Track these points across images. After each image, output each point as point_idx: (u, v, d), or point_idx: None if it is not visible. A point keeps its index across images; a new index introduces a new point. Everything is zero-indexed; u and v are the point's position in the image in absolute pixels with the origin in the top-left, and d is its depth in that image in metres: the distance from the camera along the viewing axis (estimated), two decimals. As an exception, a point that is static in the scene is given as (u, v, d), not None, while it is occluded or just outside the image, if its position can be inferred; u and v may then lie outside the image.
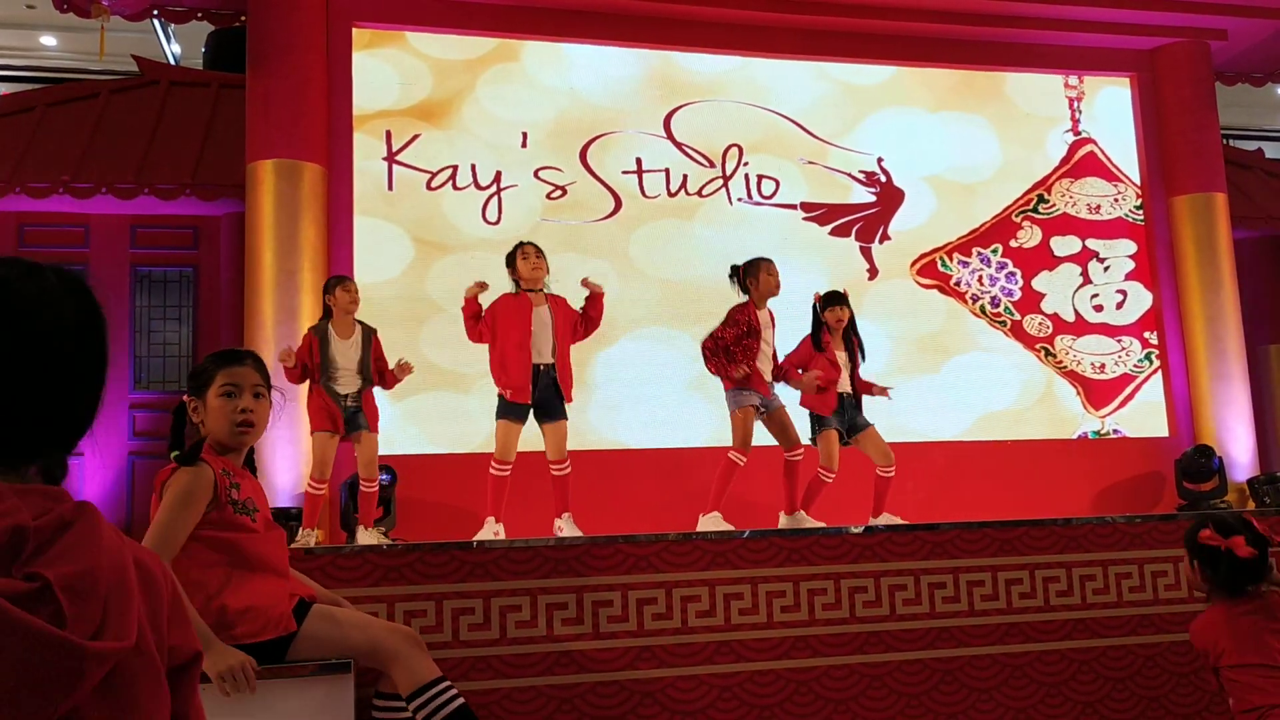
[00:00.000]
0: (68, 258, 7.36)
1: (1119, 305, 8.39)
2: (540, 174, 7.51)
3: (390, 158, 7.31)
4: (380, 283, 6.97)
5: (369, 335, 5.29)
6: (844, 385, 5.51)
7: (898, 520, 5.33)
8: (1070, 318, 8.27)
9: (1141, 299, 8.43)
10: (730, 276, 5.43)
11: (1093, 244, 8.40)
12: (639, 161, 7.68)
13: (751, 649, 3.70)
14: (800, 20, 7.84)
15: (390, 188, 7.26)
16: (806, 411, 5.52)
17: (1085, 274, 8.36)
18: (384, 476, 6.11)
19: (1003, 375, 8.05)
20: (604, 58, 7.81)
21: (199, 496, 2.69)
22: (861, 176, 8.09)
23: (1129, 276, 8.45)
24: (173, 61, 11.00)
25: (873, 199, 8.09)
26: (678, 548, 3.73)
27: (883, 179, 8.13)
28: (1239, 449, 8.00)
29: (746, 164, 7.88)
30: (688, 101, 7.88)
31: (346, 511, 6.06)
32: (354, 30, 7.34)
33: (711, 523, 5.09)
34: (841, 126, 8.14)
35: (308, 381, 5.25)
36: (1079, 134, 8.60)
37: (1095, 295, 8.35)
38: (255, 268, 6.72)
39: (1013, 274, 8.22)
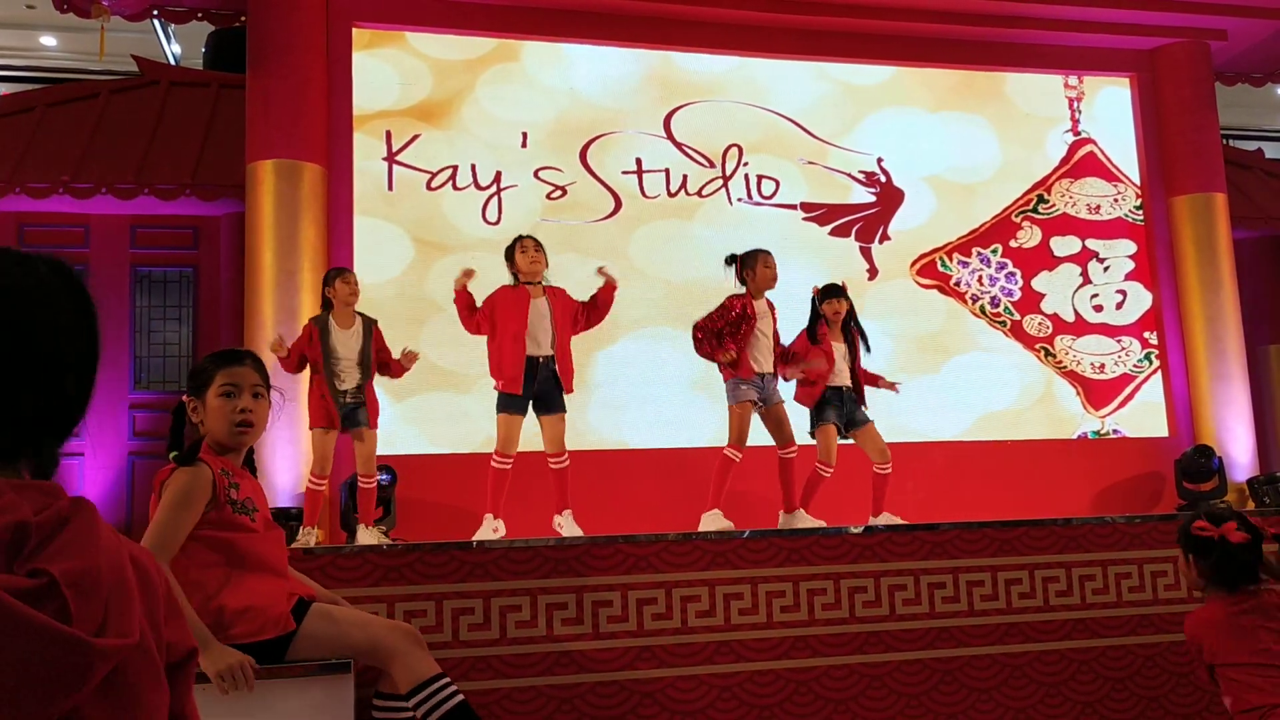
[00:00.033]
0: (68, 258, 7.34)
1: (1119, 305, 8.39)
2: (540, 174, 7.51)
3: (390, 158, 7.31)
4: (380, 283, 6.97)
5: (369, 326, 5.28)
6: (843, 379, 5.51)
7: (897, 520, 5.33)
8: (1070, 318, 8.28)
9: (1141, 299, 8.43)
10: (727, 263, 5.45)
11: (1092, 244, 8.41)
12: (639, 162, 7.69)
13: (751, 649, 3.70)
14: (800, 20, 7.84)
15: (390, 188, 7.27)
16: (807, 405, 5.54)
17: (1085, 274, 8.37)
18: (384, 476, 6.11)
19: (1002, 375, 8.05)
20: (604, 58, 7.81)
21: (197, 497, 2.69)
22: (861, 176, 8.09)
23: (1129, 276, 8.45)
24: (173, 61, 11.00)
25: (873, 199, 8.09)
26: (678, 548, 3.74)
27: (882, 179, 8.13)
28: (1239, 449, 8.00)
29: (746, 164, 7.88)
30: (687, 101, 7.88)
31: (347, 511, 6.06)
32: (354, 30, 7.34)
33: (712, 520, 5.09)
34: (841, 127, 8.14)
35: (308, 377, 5.25)
36: (1079, 134, 8.60)
37: (1095, 295, 8.35)
38: (255, 268, 6.72)
39: (1012, 274, 8.22)
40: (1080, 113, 8.64)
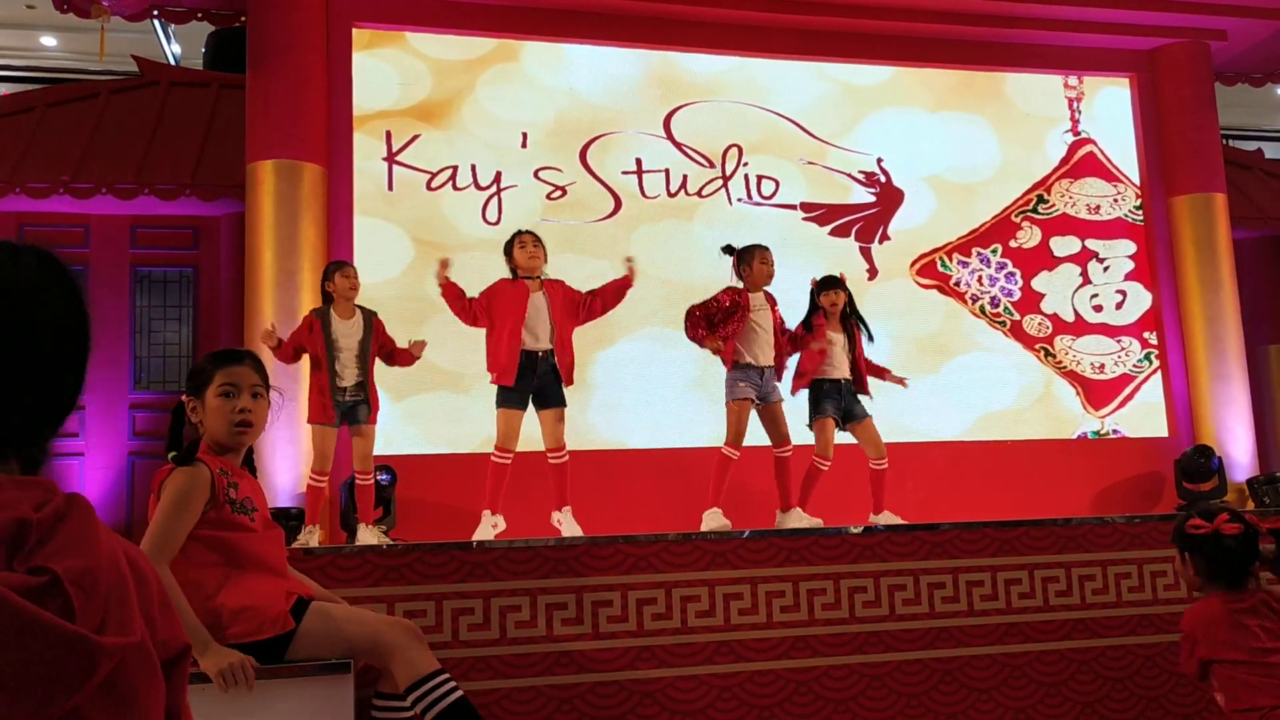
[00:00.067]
0: (68, 258, 7.34)
1: (1118, 305, 8.39)
2: (540, 174, 7.51)
3: (390, 158, 7.31)
4: (380, 283, 6.97)
5: (370, 318, 5.27)
6: (841, 371, 5.51)
7: (898, 520, 5.33)
8: (1070, 318, 8.28)
9: (1141, 299, 8.43)
10: (724, 251, 5.46)
11: (1092, 244, 8.41)
12: (639, 162, 7.69)
13: (751, 649, 3.70)
14: (800, 20, 7.84)
15: (390, 188, 7.27)
16: (805, 399, 5.54)
17: (1085, 274, 8.37)
18: (384, 476, 6.11)
19: (1002, 375, 8.05)
20: (604, 58, 7.81)
21: (196, 497, 2.70)
22: (861, 177, 8.09)
23: (1128, 277, 8.45)
24: (173, 61, 11.00)
25: (872, 199, 8.09)
26: (677, 548, 3.74)
27: (882, 179, 8.13)
28: (1238, 449, 8.00)
29: (746, 164, 7.88)
30: (687, 102, 7.88)
31: (347, 512, 6.06)
32: (354, 30, 7.34)
33: (712, 518, 5.10)
34: (841, 127, 8.14)
35: (308, 374, 5.24)
36: (1078, 134, 8.60)
37: (1095, 295, 8.35)
38: (255, 268, 6.72)
39: (1012, 274, 8.22)
40: (1080, 113, 8.64)
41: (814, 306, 5.58)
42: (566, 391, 5.19)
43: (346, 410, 5.16)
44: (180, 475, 2.71)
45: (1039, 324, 8.21)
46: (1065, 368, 8.19)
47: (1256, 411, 8.29)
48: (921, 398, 7.69)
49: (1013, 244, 8.26)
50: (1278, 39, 8.74)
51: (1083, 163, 8.55)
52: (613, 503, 6.41)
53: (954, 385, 7.89)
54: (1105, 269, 8.41)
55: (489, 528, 5.01)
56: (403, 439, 6.85)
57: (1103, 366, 8.26)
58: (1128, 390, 8.28)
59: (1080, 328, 8.28)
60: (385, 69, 7.46)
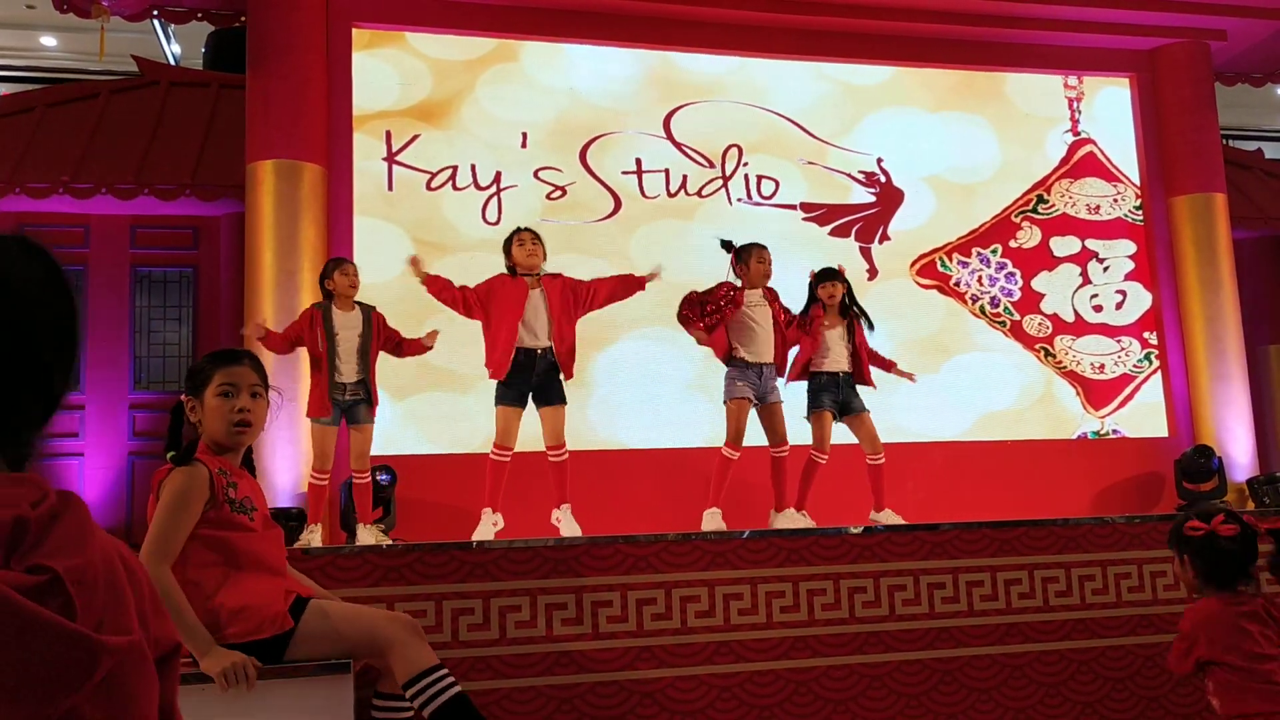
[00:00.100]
0: (68, 258, 7.37)
1: (1118, 305, 8.39)
2: (540, 174, 7.51)
3: (390, 158, 7.31)
4: (380, 283, 6.96)
5: (369, 312, 5.27)
6: (839, 364, 5.51)
7: (898, 518, 5.34)
8: (1070, 318, 8.28)
9: (1141, 299, 8.43)
10: (722, 245, 5.47)
11: (1092, 244, 8.41)
12: (639, 162, 7.69)
13: (751, 649, 3.70)
14: (799, 20, 7.84)
15: (390, 188, 7.27)
16: (804, 391, 5.54)
17: (1085, 274, 8.37)
18: (384, 476, 6.11)
19: (1002, 375, 8.05)
20: (604, 58, 7.81)
21: (195, 497, 2.70)
22: (861, 177, 8.09)
23: (1128, 277, 8.45)
24: (173, 61, 11.01)
25: (872, 199, 8.09)
26: (677, 548, 3.74)
27: (882, 179, 8.13)
28: (1238, 449, 8.00)
29: (746, 164, 7.88)
30: (687, 102, 7.88)
31: (346, 511, 6.06)
32: (354, 30, 7.34)
33: (711, 519, 5.10)
34: (841, 127, 8.14)
35: (308, 371, 5.24)
36: (1078, 134, 8.60)
37: (1095, 295, 8.35)
38: (255, 268, 6.72)
39: (1012, 274, 8.22)
40: (1080, 113, 8.64)
41: (812, 299, 5.59)
42: (566, 391, 5.19)
43: (346, 408, 5.15)
44: (178, 475, 2.71)
45: (1039, 324, 8.21)
46: (1065, 368, 8.19)
47: (1256, 411, 8.29)
48: (921, 398, 7.68)
49: (1013, 244, 8.26)
50: (1278, 39, 8.74)
51: (1083, 163, 8.55)
52: (612, 503, 6.41)
53: (954, 385, 7.89)
54: (1105, 269, 8.41)
55: (489, 526, 5.01)
56: (403, 439, 6.85)
57: (1103, 366, 8.26)
58: (1128, 390, 8.28)
59: (1080, 328, 8.28)
60: (385, 69, 7.46)
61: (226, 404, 2.80)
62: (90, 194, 6.92)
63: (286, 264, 6.66)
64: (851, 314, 5.62)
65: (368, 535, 5.17)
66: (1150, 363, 8.34)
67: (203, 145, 7.31)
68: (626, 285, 5.34)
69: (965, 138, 8.34)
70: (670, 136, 7.79)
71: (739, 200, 7.82)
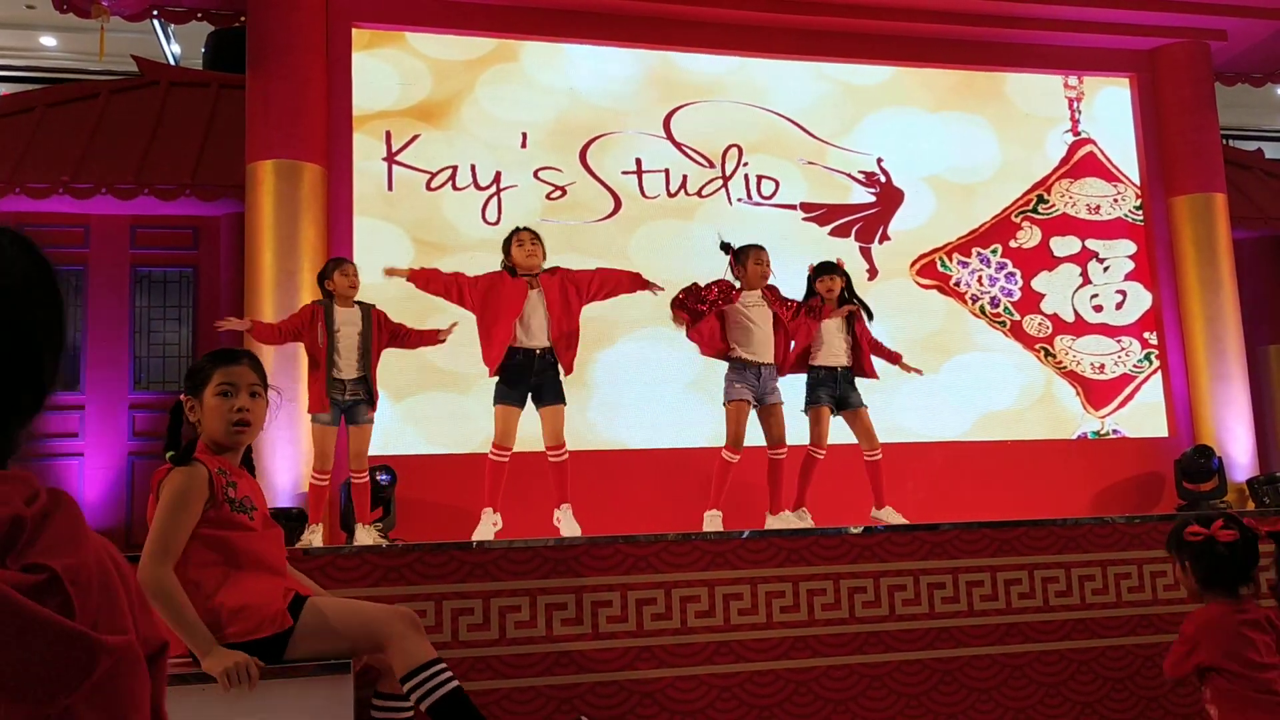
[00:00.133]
0: (68, 258, 7.37)
1: (1118, 305, 8.39)
2: (540, 174, 7.51)
3: (390, 158, 7.31)
4: (380, 283, 6.96)
5: (368, 310, 5.28)
6: (837, 360, 5.51)
7: (899, 516, 5.34)
8: (1070, 318, 8.28)
9: (1141, 299, 8.43)
10: (720, 248, 5.48)
11: (1092, 244, 8.41)
12: (639, 162, 7.69)
13: (751, 649, 3.70)
14: (799, 20, 7.84)
15: (390, 188, 7.27)
16: (803, 385, 5.54)
17: (1085, 274, 8.37)
18: (384, 476, 6.11)
19: (1002, 375, 8.05)
20: (604, 58, 7.81)
21: (194, 496, 2.70)
22: (861, 177, 8.09)
23: (1128, 277, 8.45)
24: (173, 61, 11.01)
25: (872, 199, 8.09)
26: (677, 548, 3.74)
27: (882, 179, 8.13)
28: (1238, 449, 8.00)
29: (746, 164, 7.88)
30: (687, 102, 7.88)
31: (347, 512, 6.06)
32: (354, 30, 7.34)
33: (712, 521, 5.10)
34: (841, 127, 8.14)
35: (308, 367, 5.24)
36: (1078, 134, 8.60)
37: (1095, 295, 8.35)
38: (255, 268, 6.72)
39: (1012, 274, 8.22)
40: (1080, 113, 8.64)
41: (810, 293, 5.60)
42: (566, 392, 5.19)
43: (346, 408, 5.15)
44: (177, 475, 2.71)
45: (1039, 324, 8.21)
46: (1065, 368, 8.19)
47: (1256, 411, 8.29)
48: (921, 398, 7.69)
49: (1013, 244, 8.26)
50: (1278, 39, 8.74)
51: (1083, 163, 8.55)
52: (612, 503, 6.41)
53: (954, 385, 7.89)
54: (1105, 269, 8.41)
55: (489, 526, 5.01)
56: (403, 439, 6.85)
57: (1103, 366, 8.26)
58: (1128, 390, 8.28)
59: (1080, 328, 8.28)
60: (385, 69, 7.46)
61: (225, 403, 2.80)
62: (90, 194, 6.92)
63: (286, 264, 6.66)
64: (850, 307, 5.61)
65: (366, 535, 5.17)
66: (1150, 363, 8.34)
67: (203, 145, 7.31)
68: (635, 282, 5.34)
69: (965, 138, 8.34)
70: (670, 136, 7.79)
71: (739, 200, 7.82)
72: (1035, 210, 8.36)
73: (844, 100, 8.20)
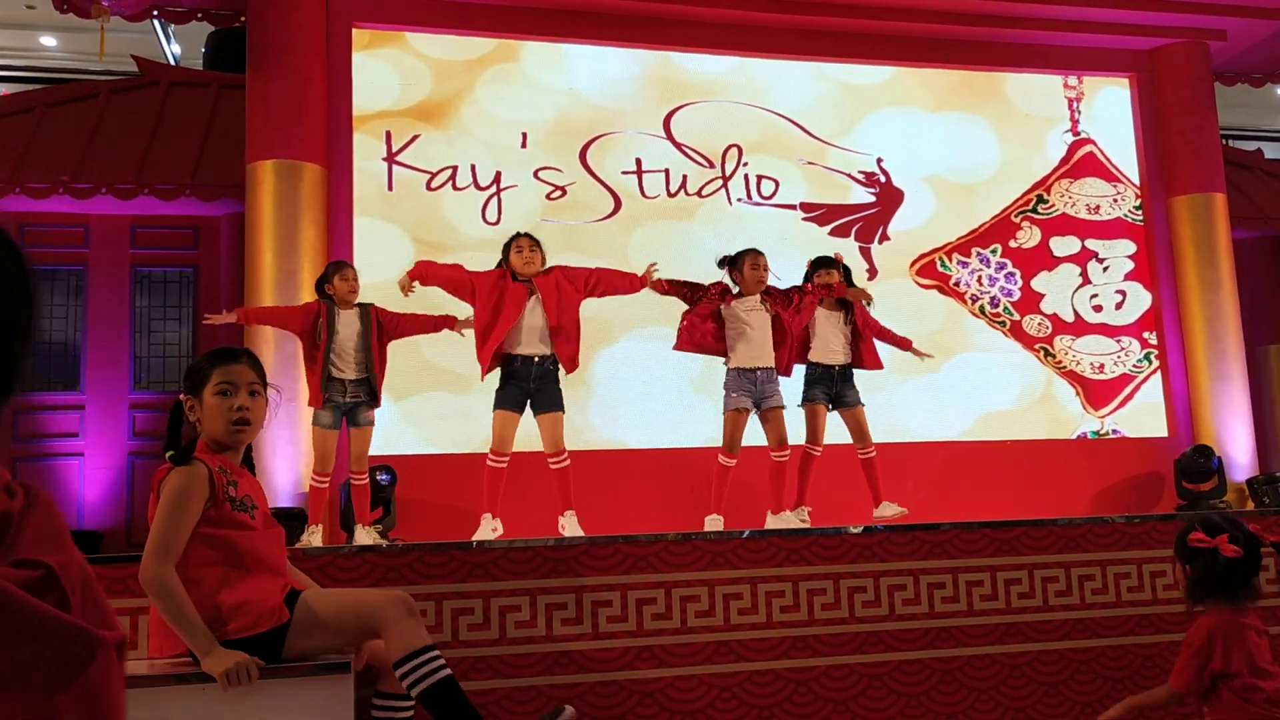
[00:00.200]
0: (68, 258, 7.37)
1: (1118, 305, 8.39)
2: (540, 174, 7.51)
3: (390, 158, 7.31)
4: (380, 283, 6.96)
5: (366, 309, 5.28)
6: (834, 358, 5.51)
7: (900, 509, 5.34)
8: (1069, 318, 8.28)
9: (1141, 299, 8.43)
10: (719, 265, 5.49)
11: (1092, 244, 8.41)
12: (639, 162, 7.69)
13: (751, 649, 3.70)
14: (799, 20, 7.85)
15: (390, 188, 7.27)
16: (801, 380, 5.55)
17: (1084, 274, 8.37)
18: (384, 476, 6.11)
19: (1002, 375, 8.06)
20: (604, 58, 7.81)
21: (194, 496, 2.70)
22: (861, 177, 8.10)
23: (1128, 277, 8.46)
24: (173, 62, 11.01)
25: (872, 199, 8.09)
26: (677, 548, 3.74)
27: (882, 179, 8.13)
28: (1238, 449, 8.00)
29: (746, 164, 7.88)
30: (687, 102, 7.88)
31: (347, 512, 6.06)
32: (354, 31, 7.34)
33: (713, 525, 5.11)
34: (841, 127, 8.14)
35: (305, 361, 5.25)
36: (1078, 134, 8.60)
37: (1094, 295, 8.35)
38: (255, 268, 6.72)
39: (1012, 274, 8.22)
40: (1080, 113, 8.64)
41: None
42: (566, 392, 5.18)
43: (347, 410, 5.16)
44: (177, 475, 2.71)
45: (1039, 324, 8.21)
46: (1065, 368, 8.19)
47: (1256, 411, 8.29)
48: (921, 398, 7.70)
49: (1012, 244, 8.26)
50: (1278, 39, 8.74)
51: (1082, 163, 8.55)
52: (612, 503, 6.41)
53: (954, 385, 7.89)
54: (1105, 269, 8.41)
55: (488, 531, 5.01)
56: (403, 439, 6.85)
57: (1102, 366, 8.26)
58: (1127, 390, 8.28)
59: (1080, 328, 8.28)
60: (385, 69, 7.46)
61: (225, 402, 2.80)
62: (90, 194, 6.92)
63: (286, 264, 6.66)
64: (849, 302, 5.61)
65: (365, 536, 5.17)
66: (1150, 363, 8.34)
67: (203, 145, 7.31)
68: (631, 283, 5.34)
69: (965, 138, 8.34)
70: (670, 136, 7.79)
71: (739, 200, 7.82)
72: (1035, 210, 8.36)
73: (844, 100, 8.20)
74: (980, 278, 8.16)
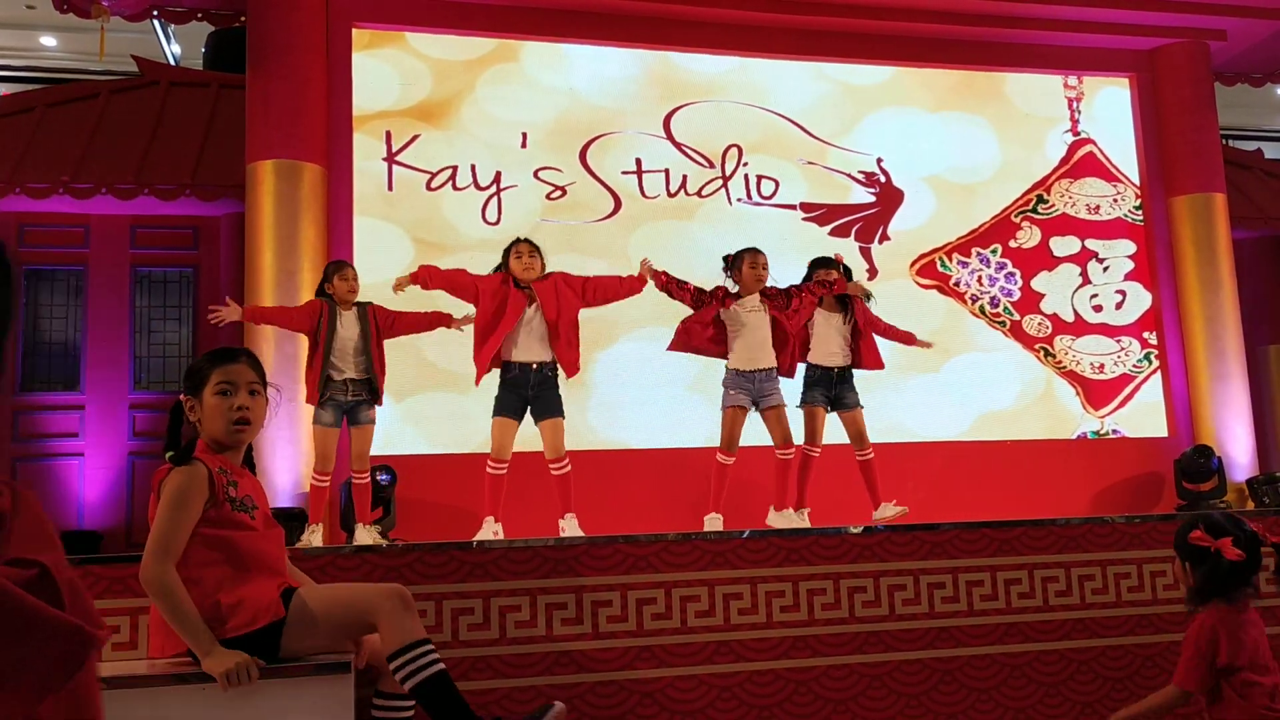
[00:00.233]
0: (68, 258, 7.37)
1: (1118, 305, 8.39)
2: (540, 174, 7.51)
3: (390, 158, 7.31)
4: (380, 283, 6.95)
5: (365, 310, 5.28)
6: (834, 360, 5.51)
7: (900, 509, 5.34)
8: (1069, 318, 8.28)
9: (1141, 299, 8.43)
10: (724, 270, 5.50)
11: (1092, 244, 8.41)
12: (639, 162, 7.69)
13: (751, 649, 3.70)
14: (799, 20, 7.85)
15: (390, 188, 7.27)
16: (800, 378, 5.55)
17: (1084, 274, 8.37)
18: (384, 476, 6.11)
19: (1002, 375, 8.06)
20: (604, 58, 7.81)
21: (194, 496, 2.70)
22: (861, 177, 8.10)
23: (1128, 277, 8.46)
24: (173, 61, 11.01)
25: (872, 199, 8.09)
26: (677, 548, 3.74)
27: (882, 179, 8.13)
28: (1238, 449, 8.00)
29: (746, 164, 7.89)
30: (687, 102, 7.88)
31: (347, 512, 6.07)
32: (354, 30, 7.34)
33: (713, 524, 5.11)
34: (841, 127, 8.14)
35: (307, 358, 5.25)
36: (1078, 134, 8.60)
37: (1094, 295, 8.36)
38: (255, 268, 6.72)
39: (1012, 274, 8.22)
40: (1080, 113, 8.64)
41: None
42: (565, 393, 5.18)
43: (348, 409, 5.16)
44: (177, 475, 2.71)
45: (1039, 324, 8.21)
46: (1065, 368, 8.19)
47: (1256, 411, 8.30)
48: (921, 398, 7.70)
49: (1012, 244, 8.26)
50: (1278, 39, 8.74)
51: (1082, 163, 8.55)
52: (612, 503, 6.41)
53: (954, 385, 7.89)
54: (1105, 269, 8.41)
55: (490, 534, 5.01)
56: (403, 439, 6.85)
57: (1102, 366, 8.26)
58: (1127, 390, 8.28)
59: (1080, 328, 8.28)
60: (385, 69, 7.46)
61: (225, 402, 2.80)
62: (90, 194, 6.92)
63: (286, 264, 6.66)
64: (852, 301, 5.61)
65: (366, 536, 5.17)
66: (1150, 363, 8.34)
67: (203, 145, 7.31)
68: (629, 286, 5.34)
69: (965, 138, 8.35)
70: (670, 136, 7.79)
71: (739, 200, 7.82)
72: (1035, 210, 8.36)
73: (844, 100, 8.20)
74: (980, 278, 8.16)
